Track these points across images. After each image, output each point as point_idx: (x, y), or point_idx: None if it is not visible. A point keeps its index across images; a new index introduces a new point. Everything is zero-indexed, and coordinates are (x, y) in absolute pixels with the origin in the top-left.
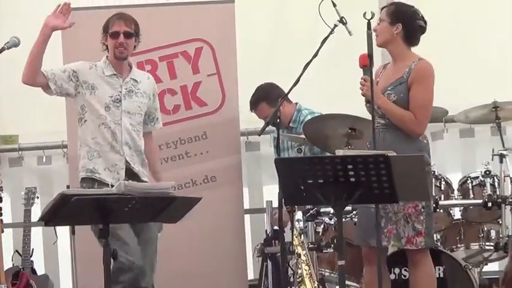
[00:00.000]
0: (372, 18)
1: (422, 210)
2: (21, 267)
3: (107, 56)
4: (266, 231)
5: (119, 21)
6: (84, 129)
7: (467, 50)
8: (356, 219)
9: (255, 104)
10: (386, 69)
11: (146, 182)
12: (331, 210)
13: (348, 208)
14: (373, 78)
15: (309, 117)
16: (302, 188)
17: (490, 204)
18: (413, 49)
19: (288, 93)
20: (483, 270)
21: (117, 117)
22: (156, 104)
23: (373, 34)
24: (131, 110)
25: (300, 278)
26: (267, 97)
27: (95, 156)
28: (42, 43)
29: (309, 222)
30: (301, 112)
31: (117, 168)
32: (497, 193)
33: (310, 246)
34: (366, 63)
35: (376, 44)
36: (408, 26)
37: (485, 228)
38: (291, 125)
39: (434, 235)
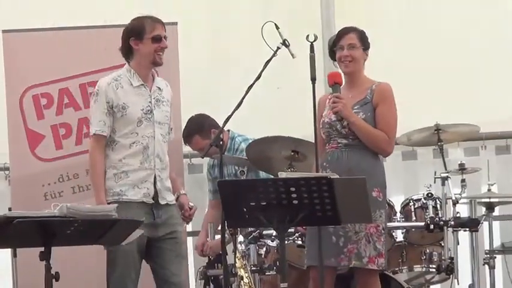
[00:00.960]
0: (314, 40)
1: (382, 231)
2: None
3: (128, 63)
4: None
5: (157, 24)
6: (114, 152)
7: (410, 72)
8: (299, 242)
9: (188, 137)
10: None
11: (171, 200)
12: (274, 232)
13: (291, 230)
14: (317, 106)
15: (243, 144)
16: (245, 210)
17: (432, 226)
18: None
19: (232, 115)
20: None
21: (149, 130)
22: (172, 113)
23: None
24: (161, 120)
25: None
26: (200, 129)
27: (122, 177)
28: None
29: (252, 245)
30: (234, 140)
31: (146, 184)
32: (439, 215)
33: (252, 268)
34: (338, 80)
35: (346, 71)
36: (368, 51)
37: (428, 251)
38: (226, 153)
39: None
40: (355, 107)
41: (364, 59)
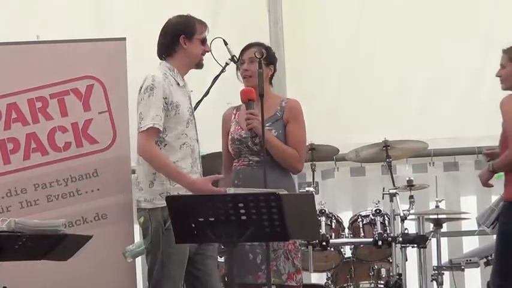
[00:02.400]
0: (262, 56)
1: (299, 247)
2: None
3: (162, 60)
4: None
5: (205, 27)
6: (164, 153)
7: (359, 89)
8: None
9: None
10: (241, 111)
11: None
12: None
13: None
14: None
15: None
16: (193, 225)
17: (380, 242)
18: (312, 85)
19: None
20: None
21: (193, 132)
22: None
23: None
24: (196, 121)
25: None
26: None
27: None
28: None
29: None
30: None
31: None
32: (388, 232)
33: None
34: (251, 96)
35: (247, 85)
36: (275, 67)
37: (376, 267)
38: None
39: (325, 273)
40: (267, 124)
41: (267, 74)
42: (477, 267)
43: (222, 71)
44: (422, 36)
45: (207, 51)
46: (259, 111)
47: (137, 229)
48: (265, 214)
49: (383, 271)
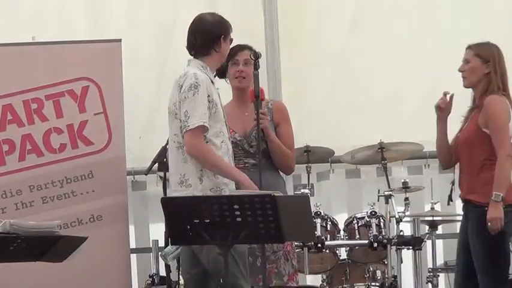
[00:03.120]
0: (258, 58)
1: (295, 248)
2: None
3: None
4: (150, 276)
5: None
6: None
7: (354, 90)
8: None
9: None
10: (229, 114)
11: None
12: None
13: None
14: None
15: None
16: (188, 227)
17: (375, 244)
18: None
19: None
20: None
21: (227, 130)
22: None
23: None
24: None
25: None
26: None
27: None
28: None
29: None
30: None
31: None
32: (383, 233)
33: None
34: (260, 96)
35: (239, 86)
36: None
37: (371, 269)
38: None
39: (321, 275)
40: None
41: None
42: None
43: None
44: (419, 37)
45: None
46: (243, 112)
47: (132, 230)
48: (260, 216)
49: (378, 273)
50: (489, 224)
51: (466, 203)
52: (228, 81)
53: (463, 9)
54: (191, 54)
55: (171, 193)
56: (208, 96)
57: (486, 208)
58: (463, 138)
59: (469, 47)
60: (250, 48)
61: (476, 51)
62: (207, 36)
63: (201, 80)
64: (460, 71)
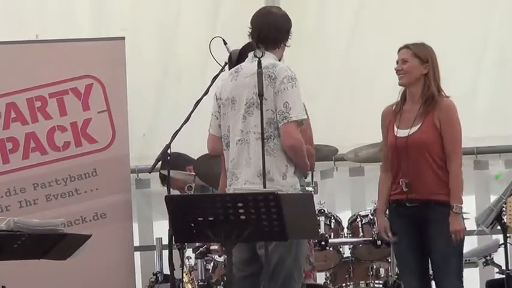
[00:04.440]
0: (261, 56)
1: (313, 245)
2: None
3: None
4: (154, 273)
5: None
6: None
7: (357, 88)
8: None
9: (165, 178)
10: None
11: None
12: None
13: None
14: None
15: None
16: (192, 225)
17: (379, 242)
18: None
19: (180, 129)
20: None
21: None
22: None
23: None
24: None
25: None
26: (174, 168)
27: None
28: None
29: (199, 260)
30: None
31: None
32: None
33: (200, 283)
34: None
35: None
36: None
37: (375, 266)
38: None
39: (324, 273)
40: None
41: None
42: (476, 267)
43: (221, 71)
44: (421, 36)
45: None
46: None
47: (136, 228)
48: (264, 214)
49: (382, 271)
50: (452, 236)
51: (426, 203)
52: None
53: (465, 9)
54: (258, 47)
55: (242, 185)
56: None
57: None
58: (416, 139)
59: (407, 47)
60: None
61: (415, 52)
62: (281, 30)
63: (295, 73)
64: (396, 70)
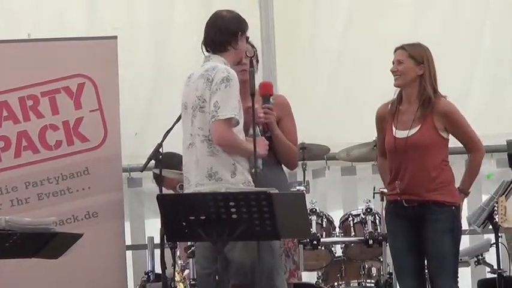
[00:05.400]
0: (253, 56)
1: (298, 244)
2: None
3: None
4: (146, 272)
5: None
6: None
7: (349, 88)
8: None
9: (158, 177)
10: None
11: None
12: None
13: None
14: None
15: None
16: (184, 224)
17: (371, 241)
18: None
19: (171, 129)
20: None
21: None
22: None
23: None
24: None
25: None
26: (168, 167)
27: (249, 168)
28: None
29: (191, 259)
30: None
31: None
32: (378, 230)
33: (191, 282)
34: (270, 91)
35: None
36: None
37: (366, 266)
38: None
39: (316, 272)
40: None
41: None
42: (468, 266)
43: None
44: (414, 35)
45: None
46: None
47: (128, 227)
48: (256, 213)
49: (373, 270)
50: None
51: (423, 203)
52: None
53: (459, 10)
54: (207, 51)
55: (190, 188)
56: (239, 92)
57: (454, 208)
58: (416, 140)
59: (402, 48)
60: (252, 45)
61: (410, 53)
62: (225, 32)
63: (232, 74)
64: (392, 71)
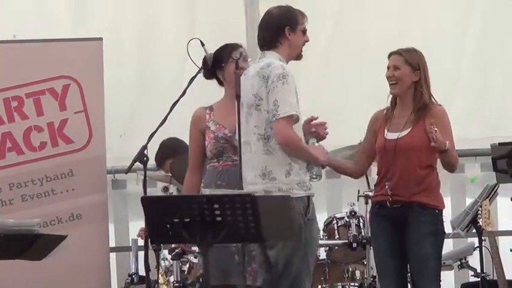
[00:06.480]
0: (239, 58)
1: None
2: None
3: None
4: (130, 275)
5: (304, 17)
6: None
7: (335, 90)
8: None
9: (161, 161)
10: (216, 110)
11: None
12: (197, 249)
13: None
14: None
15: None
16: (168, 226)
17: (355, 244)
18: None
19: (156, 131)
20: None
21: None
22: None
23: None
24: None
25: None
26: (174, 154)
27: (307, 171)
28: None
29: (175, 261)
30: None
31: None
32: (362, 234)
33: (175, 285)
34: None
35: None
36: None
37: (350, 269)
38: None
39: None
40: None
41: None
42: (451, 270)
43: (198, 72)
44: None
45: (307, 41)
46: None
47: (112, 229)
48: (240, 215)
49: (357, 273)
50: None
51: (408, 204)
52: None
53: (445, 11)
54: (262, 50)
55: (246, 186)
56: (295, 88)
57: (437, 211)
58: (405, 142)
59: (398, 53)
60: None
61: (406, 58)
62: (272, 30)
63: (287, 70)
64: (388, 77)
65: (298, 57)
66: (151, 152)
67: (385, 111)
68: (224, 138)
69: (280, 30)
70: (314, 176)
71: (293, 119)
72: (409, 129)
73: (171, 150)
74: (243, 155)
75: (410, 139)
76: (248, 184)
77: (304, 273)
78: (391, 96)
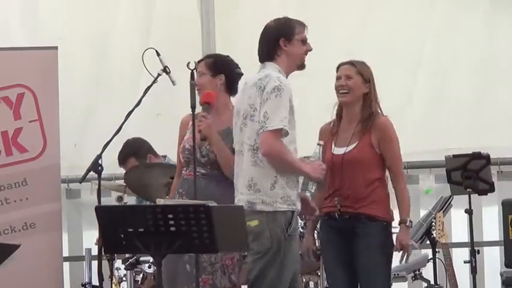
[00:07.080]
0: (195, 68)
1: (238, 262)
2: None
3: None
4: (83, 284)
5: (304, 27)
6: None
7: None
8: None
9: (124, 160)
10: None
11: None
12: (151, 259)
13: None
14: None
15: None
16: (122, 236)
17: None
18: None
19: (111, 140)
20: None
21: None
22: None
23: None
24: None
25: None
26: (136, 153)
27: (294, 186)
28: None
29: (128, 271)
30: None
31: None
32: (317, 245)
33: None
34: (210, 100)
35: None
36: (230, 75)
37: (304, 280)
38: None
39: None
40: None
41: (215, 83)
42: (405, 281)
43: (154, 82)
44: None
45: (309, 51)
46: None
47: (66, 238)
48: (194, 226)
49: (311, 284)
50: (402, 248)
51: (355, 216)
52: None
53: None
54: (263, 62)
55: (238, 196)
56: (290, 101)
57: (385, 223)
58: (351, 157)
59: (351, 64)
60: (210, 57)
61: (359, 69)
62: (268, 42)
63: (284, 84)
64: (339, 86)
65: (300, 67)
66: (106, 161)
67: (331, 123)
68: (188, 150)
69: (275, 42)
70: (311, 191)
71: (281, 132)
72: (355, 144)
73: (133, 149)
74: (236, 164)
75: (356, 153)
76: (238, 194)
77: (278, 283)
78: (337, 106)
